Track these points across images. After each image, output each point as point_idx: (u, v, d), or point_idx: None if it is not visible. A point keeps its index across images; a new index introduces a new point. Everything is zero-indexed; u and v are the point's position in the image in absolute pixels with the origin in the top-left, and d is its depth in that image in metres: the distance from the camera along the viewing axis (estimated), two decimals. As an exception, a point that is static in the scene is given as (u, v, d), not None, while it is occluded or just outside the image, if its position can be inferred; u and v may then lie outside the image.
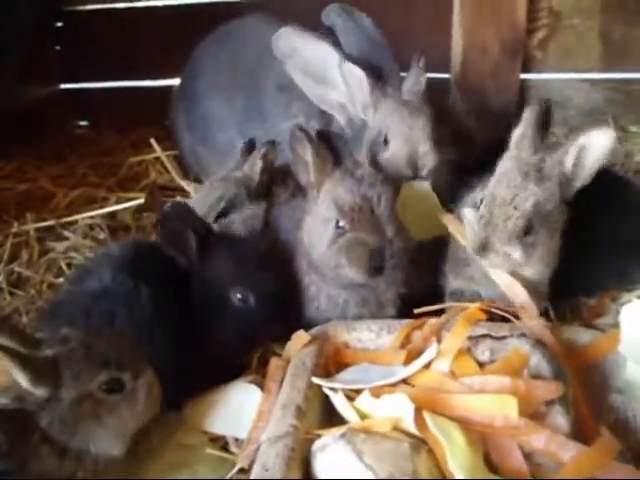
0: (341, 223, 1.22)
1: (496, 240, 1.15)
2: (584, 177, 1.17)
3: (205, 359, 1.19)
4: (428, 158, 1.48)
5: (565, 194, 1.17)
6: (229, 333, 1.22)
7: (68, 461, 0.92)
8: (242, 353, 1.28)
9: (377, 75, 1.61)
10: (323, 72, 1.59)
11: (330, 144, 1.33)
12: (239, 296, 1.21)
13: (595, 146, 1.14)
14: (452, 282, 1.34)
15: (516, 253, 1.16)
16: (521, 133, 1.21)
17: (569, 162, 1.15)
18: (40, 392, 0.91)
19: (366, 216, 1.21)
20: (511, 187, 1.14)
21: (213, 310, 1.22)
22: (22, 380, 0.90)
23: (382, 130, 1.53)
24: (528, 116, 1.22)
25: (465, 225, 1.23)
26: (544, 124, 1.32)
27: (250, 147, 1.64)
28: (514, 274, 1.20)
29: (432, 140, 1.50)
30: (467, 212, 1.22)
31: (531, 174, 1.14)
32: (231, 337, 1.22)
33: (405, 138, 1.49)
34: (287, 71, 1.62)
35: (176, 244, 1.22)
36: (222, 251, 1.24)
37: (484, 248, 1.15)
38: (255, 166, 1.57)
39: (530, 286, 1.20)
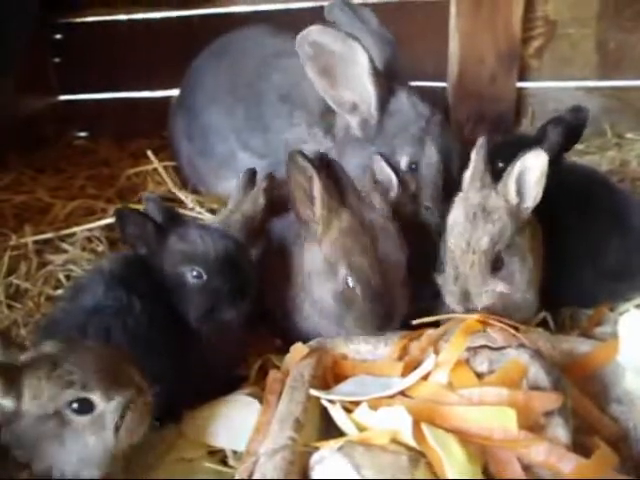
0: (351, 284, 1.20)
1: (473, 287, 1.20)
2: (532, 198, 1.22)
3: (201, 366, 1.19)
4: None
5: (519, 218, 1.22)
6: (197, 313, 1.21)
7: None
8: (229, 351, 1.28)
9: (385, 71, 1.61)
10: (345, 71, 1.55)
11: (332, 172, 1.30)
12: (194, 273, 1.21)
13: (532, 169, 1.19)
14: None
15: (498, 287, 1.20)
16: (470, 174, 1.26)
17: (511, 190, 1.21)
18: (6, 403, 0.85)
19: (378, 282, 1.19)
20: (463, 235, 1.20)
21: (178, 297, 1.21)
22: None
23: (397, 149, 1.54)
24: (475, 157, 1.26)
25: (443, 290, 1.26)
26: (573, 136, 1.47)
27: (251, 178, 1.59)
28: (506, 304, 1.22)
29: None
30: (439, 279, 1.26)
31: (478, 214, 1.20)
32: (200, 317, 1.21)
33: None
34: (308, 73, 1.57)
35: (136, 234, 1.22)
36: (175, 235, 1.24)
37: (466, 299, 1.21)
38: (258, 203, 1.51)
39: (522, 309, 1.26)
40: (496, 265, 1.20)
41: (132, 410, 0.90)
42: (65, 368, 0.87)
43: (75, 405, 0.86)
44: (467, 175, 1.26)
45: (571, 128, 1.56)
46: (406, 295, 1.24)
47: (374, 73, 1.54)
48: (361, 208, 1.27)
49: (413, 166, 1.58)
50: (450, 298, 1.23)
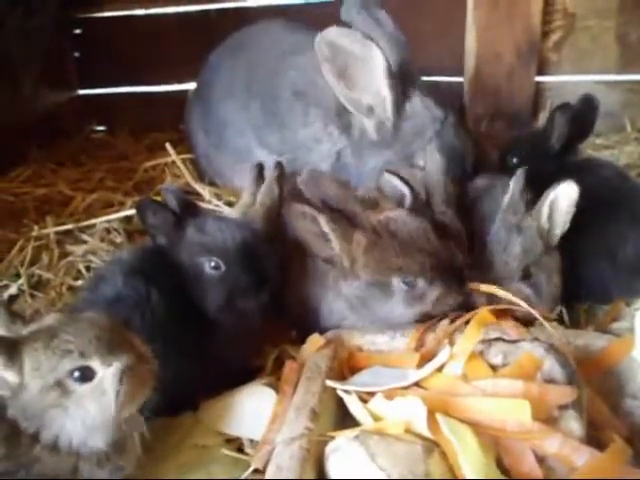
0: (414, 282, 1.18)
1: (503, 284, 1.31)
2: (562, 225, 1.35)
3: (218, 356, 1.20)
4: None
5: (548, 242, 1.36)
6: (215, 304, 1.21)
7: (64, 456, 0.87)
8: (246, 341, 1.28)
9: (400, 74, 1.61)
10: (362, 73, 1.56)
11: (331, 196, 1.26)
12: (212, 264, 1.21)
13: (563, 197, 1.31)
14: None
15: (525, 290, 1.32)
16: (508, 202, 1.37)
17: (544, 216, 1.33)
18: (10, 377, 0.86)
19: (437, 265, 1.18)
20: (501, 242, 1.36)
21: (197, 288, 1.22)
22: None
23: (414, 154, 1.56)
24: (513, 186, 1.36)
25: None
26: (584, 126, 1.57)
27: (260, 172, 1.58)
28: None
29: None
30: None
31: (513, 230, 1.35)
32: (218, 307, 1.21)
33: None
34: (325, 74, 1.58)
35: (156, 224, 1.23)
36: (193, 226, 1.25)
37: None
38: (273, 193, 1.49)
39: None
40: (525, 274, 1.34)
41: (132, 375, 0.88)
42: (62, 338, 0.86)
43: (76, 374, 0.86)
44: (505, 201, 1.38)
45: (580, 117, 1.55)
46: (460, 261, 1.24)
47: (390, 76, 1.55)
48: (369, 216, 1.25)
49: None
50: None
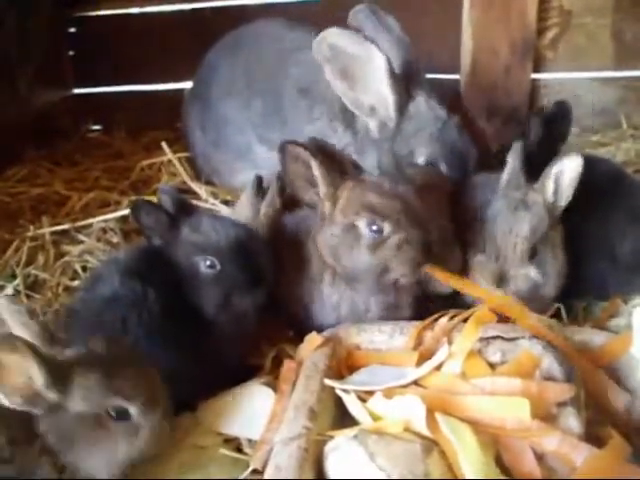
0: (381, 226, 1.20)
1: (511, 267, 1.30)
2: (566, 197, 1.34)
3: (216, 356, 1.21)
4: None
5: (553, 215, 1.34)
6: (212, 303, 1.22)
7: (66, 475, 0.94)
8: (243, 340, 1.29)
9: (404, 76, 1.63)
10: (363, 74, 1.57)
11: (327, 152, 1.30)
12: (207, 263, 1.21)
13: (567, 171, 1.31)
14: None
15: (532, 272, 1.30)
16: (508, 174, 1.36)
17: (549, 189, 1.32)
18: (51, 396, 0.92)
19: (407, 214, 1.20)
20: (506, 222, 1.31)
21: (193, 287, 1.22)
22: (37, 379, 0.91)
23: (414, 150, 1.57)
24: (512, 159, 1.36)
25: (476, 270, 1.33)
26: (561, 129, 1.54)
27: (259, 184, 1.61)
28: (534, 296, 1.30)
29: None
30: (476, 260, 1.34)
31: (519, 207, 1.31)
32: (215, 307, 1.22)
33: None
34: (326, 75, 1.59)
35: (151, 225, 1.24)
36: (188, 225, 1.25)
37: (501, 279, 1.31)
38: (275, 206, 1.54)
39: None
40: (532, 253, 1.30)
41: (158, 427, 0.98)
42: (116, 378, 0.95)
43: (114, 412, 0.95)
44: (505, 175, 1.36)
45: (554, 120, 1.56)
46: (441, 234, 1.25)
47: (392, 76, 1.55)
48: (364, 178, 1.27)
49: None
50: (486, 277, 1.31)
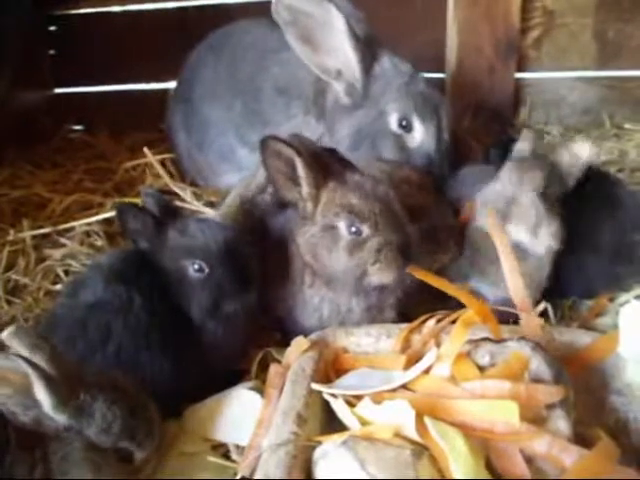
0: (361, 228, 1.19)
1: (546, 219, 1.30)
2: (575, 176, 1.38)
3: (202, 361, 1.20)
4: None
5: (562, 187, 1.36)
6: (200, 307, 1.20)
7: None
8: (232, 345, 1.27)
9: (366, 41, 1.65)
10: (325, 36, 1.58)
11: (309, 148, 1.27)
12: (195, 267, 1.20)
13: (578, 156, 1.37)
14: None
15: (553, 227, 1.30)
16: (516, 154, 1.38)
17: (565, 159, 1.36)
18: (61, 419, 0.92)
19: (386, 216, 1.19)
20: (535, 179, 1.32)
21: (181, 292, 1.21)
22: (44, 403, 0.90)
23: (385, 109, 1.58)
24: (521, 144, 1.39)
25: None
26: None
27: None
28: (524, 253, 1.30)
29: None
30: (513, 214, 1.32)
31: (534, 165, 1.34)
32: (203, 311, 1.20)
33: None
34: (287, 39, 1.60)
35: (136, 229, 1.21)
36: (174, 229, 1.23)
37: (535, 232, 1.30)
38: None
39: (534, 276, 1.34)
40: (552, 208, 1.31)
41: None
42: (133, 419, 0.97)
43: (121, 453, 0.97)
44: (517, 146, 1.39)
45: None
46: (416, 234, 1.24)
47: (353, 37, 1.56)
48: (348, 172, 1.25)
49: (404, 123, 1.61)
50: (523, 226, 1.30)
